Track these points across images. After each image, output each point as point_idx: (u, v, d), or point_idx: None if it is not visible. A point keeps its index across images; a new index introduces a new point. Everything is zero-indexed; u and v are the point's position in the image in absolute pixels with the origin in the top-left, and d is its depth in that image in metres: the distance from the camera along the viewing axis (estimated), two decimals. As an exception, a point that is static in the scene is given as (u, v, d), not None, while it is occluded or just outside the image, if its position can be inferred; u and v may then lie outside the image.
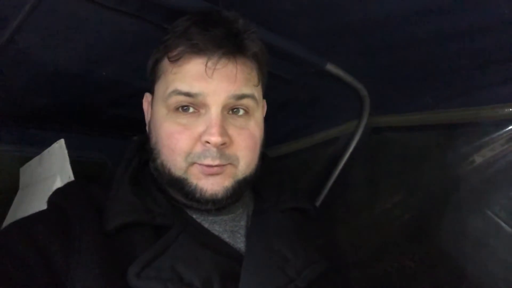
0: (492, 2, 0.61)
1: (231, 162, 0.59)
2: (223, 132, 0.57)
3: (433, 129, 1.00)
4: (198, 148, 0.57)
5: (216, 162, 0.57)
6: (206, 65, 0.56)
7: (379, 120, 1.12)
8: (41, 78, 0.74)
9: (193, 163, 0.58)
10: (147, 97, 0.68)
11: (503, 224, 0.85)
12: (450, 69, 0.84)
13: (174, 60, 0.58)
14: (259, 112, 0.64)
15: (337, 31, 0.74)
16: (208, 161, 0.57)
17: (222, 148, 0.57)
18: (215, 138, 0.55)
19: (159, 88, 0.61)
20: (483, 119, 0.90)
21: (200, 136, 0.57)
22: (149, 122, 0.65)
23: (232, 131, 0.58)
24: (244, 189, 0.63)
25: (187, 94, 0.57)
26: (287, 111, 1.09)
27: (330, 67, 0.88)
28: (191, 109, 0.58)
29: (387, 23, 0.70)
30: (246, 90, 0.59)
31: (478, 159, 0.91)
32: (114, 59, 0.72)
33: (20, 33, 0.61)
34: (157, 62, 0.62)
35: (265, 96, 0.67)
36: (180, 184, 0.59)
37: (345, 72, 0.92)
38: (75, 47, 0.67)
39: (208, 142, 0.56)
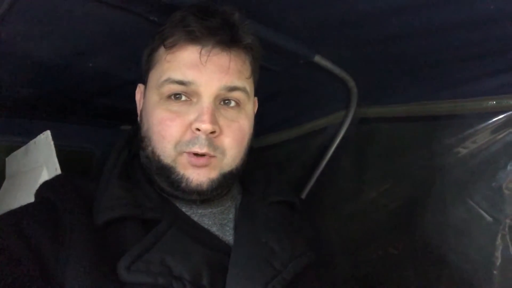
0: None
1: (218, 154, 0.59)
2: (214, 120, 0.57)
3: (419, 121, 1.02)
4: (188, 136, 0.57)
5: (204, 150, 0.57)
6: (200, 53, 0.56)
7: (366, 111, 1.13)
8: (26, 69, 0.73)
9: (182, 153, 0.58)
10: (139, 87, 0.68)
11: (484, 214, 0.87)
12: (436, 63, 0.85)
13: (169, 47, 0.58)
14: (250, 105, 0.64)
15: (325, 23, 0.74)
16: (196, 149, 0.57)
17: (211, 136, 0.57)
18: (206, 125, 0.56)
19: (153, 76, 0.61)
20: (468, 111, 0.91)
21: (190, 124, 0.57)
22: (141, 111, 0.65)
23: (222, 122, 0.59)
24: (230, 182, 0.64)
25: (180, 83, 0.57)
26: (276, 102, 1.10)
27: (319, 59, 0.88)
28: (183, 97, 0.59)
29: (375, 16, 0.70)
30: (238, 83, 0.60)
31: (462, 150, 0.93)
32: (101, 50, 0.71)
33: (3, 23, 0.60)
34: (153, 51, 0.62)
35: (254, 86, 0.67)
36: (167, 172, 0.59)
37: (333, 64, 0.93)
38: (60, 38, 0.66)
39: (198, 130, 0.56)
